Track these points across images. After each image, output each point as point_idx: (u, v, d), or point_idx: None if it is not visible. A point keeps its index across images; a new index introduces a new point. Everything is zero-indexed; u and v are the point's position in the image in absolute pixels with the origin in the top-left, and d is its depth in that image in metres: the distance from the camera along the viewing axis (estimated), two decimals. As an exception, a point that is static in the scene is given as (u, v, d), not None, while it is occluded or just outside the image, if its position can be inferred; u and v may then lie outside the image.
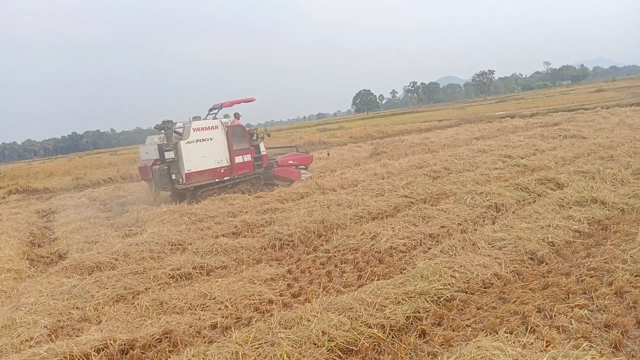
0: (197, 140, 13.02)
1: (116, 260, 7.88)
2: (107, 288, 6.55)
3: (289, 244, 8.05)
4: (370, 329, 4.37)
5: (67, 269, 7.65)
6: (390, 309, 4.68)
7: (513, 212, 8.09)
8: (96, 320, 5.70)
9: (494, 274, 5.46)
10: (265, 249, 7.97)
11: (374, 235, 7.51)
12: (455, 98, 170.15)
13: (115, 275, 6.96)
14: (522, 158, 13.55)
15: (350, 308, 4.73)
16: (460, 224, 7.85)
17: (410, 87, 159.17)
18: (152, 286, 6.57)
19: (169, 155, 12.67)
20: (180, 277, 6.91)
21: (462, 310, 4.79)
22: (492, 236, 6.67)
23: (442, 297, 4.96)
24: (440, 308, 4.80)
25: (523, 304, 4.64)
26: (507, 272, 5.52)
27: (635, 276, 4.93)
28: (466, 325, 4.42)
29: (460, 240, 6.67)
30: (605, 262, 5.37)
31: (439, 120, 42.19)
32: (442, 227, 7.76)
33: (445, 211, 8.52)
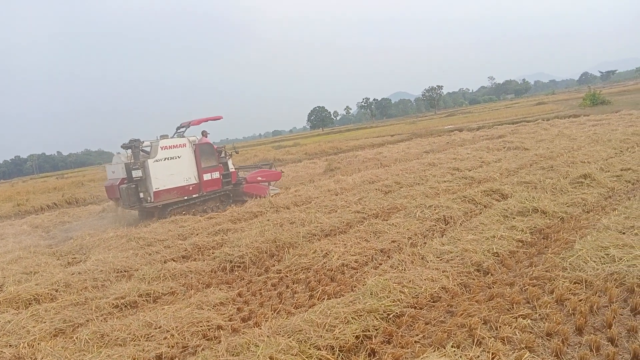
0: (165, 159, 13.12)
1: (56, 291, 7.45)
2: (44, 322, 6.15)
3: (239, 266, 7.88)
4: (319, 351, 4.30)
5: (1, 303, 7.13)
6: (339, 329, 4.63)
7: (460, 224, 8.28)
8: (31, 358, 5.32)
9: (442, 287, 5.54)
10: (215, 272, 7.77)
11: (326, 253, 7.47)
12: (407, 113, 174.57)
13: (54, 307, 6.57)
14: (470, 170, 13.97)
15: (299, 330, 4.65)
16: (410, 238, 7.94)
17: (363, 103, 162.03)
18: (93, 317, 6.23)
19: (137, 173, 12.67)
20: (125, 306, 6.60)
21: (411, 326, 4.80)
22: (441, 249, 6.78)
23: (391, 313, 4.97)
24: (389, 325, 4.79)
25: (470, 316, 4.70)
26: (454, 285, 5.61)
27: (574, 283, 5.12)
28: (415, 341, 4.43)
29: (409, 255, 6.74)
30: (546, 271, 5.55)
31: (391, 135, 43.06)
32: (393, 241, 7.83)
33: (396, 225, 8.62)
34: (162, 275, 7.58)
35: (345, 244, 7.86)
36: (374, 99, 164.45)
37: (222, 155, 14.77)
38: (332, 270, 6.87)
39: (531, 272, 5.63)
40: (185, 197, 13.65)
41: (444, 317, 4.90)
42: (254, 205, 12.92)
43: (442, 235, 7.78)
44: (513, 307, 4.83)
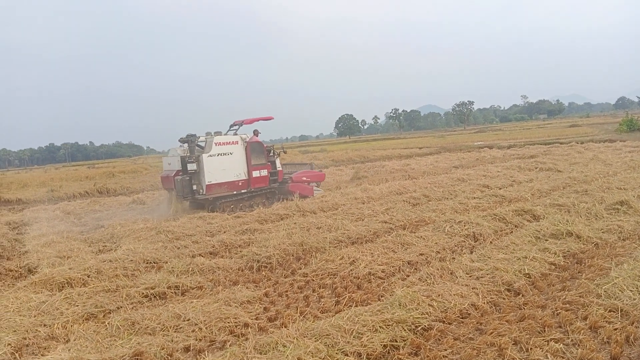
0: (219, 154, 13.81)
1: (88, 276, 7.67)
2: (77, 305, 6.35)
3: (266, 266, 7.96)
4: (346, 357, 4.32)
5: (37, 284, 7.39)
6: (367, 336, 4.64)
7: (491, 242, 8.18)
8: (64, 339, 5.50)
9: (472, 304, 5.48)
10: (242, 271, 7.86)
11: (353, 261, 7.49)
12: (435, 126, 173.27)
13: (87, 292, 6.76)
14: (500, 188, 13.78)
15: (327, 335, 4.68)
16: (438, 252, 7.89)
17: (392, 114, 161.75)
18: (124, 305, 6.39)
19: (192, 167, 13.35)
20: (154, 297, 6.75)
21: (439, 340, 4.77)
22: (470, 266, 6.71)
23: (419, 326, 4.95)
24: (417, 337, 4.77)
25: (500, 335, 4.65)
26: (484, 303, 5.55)
27: (609, 311, 5.00)
28: (443, 356, 4.40)
29: (438, 269, 6.69)
30: (580, 296, 5.44)
31: (419, 148, 42.79)
32: (421, 254, 7.79)
33: (424, 238, 8.58)
34: (190, 269, 7.71)
35: (372, 253, 7.86)
36: (403, 110, 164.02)
37: (271, 154, 15.28)
38: (358, 278, 6.88)
39: (564, 296, 5.53)
40: (234, 192, 14.27)
41: (473, 335, 4.85)
42: (281, 207, 13.02)
43: (472, 252, 7.70)
44: (544, 330, 4.74)
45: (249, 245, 9.26)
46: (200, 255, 8.84)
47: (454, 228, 8.99)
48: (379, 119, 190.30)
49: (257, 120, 15.72)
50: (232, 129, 15.39)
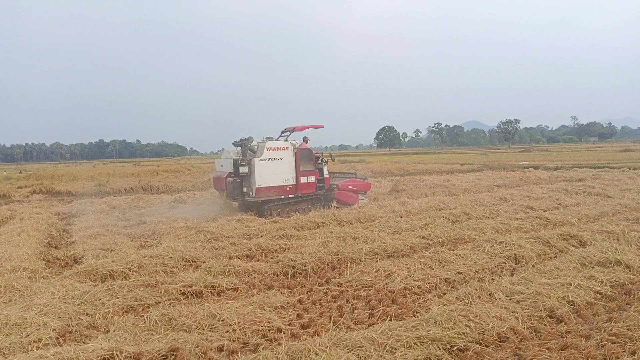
0: (269, 159, 14.17)
1: (129, 270, 7.93)
2: (118, 297, 6.56)
3: (301, 273, 7.99)
4: (379, 371, 4.27)
5: (81, 273, 7.71)
6: (401, 352, 4.57)
7: (533, 265, 7.91)
8: (104, 328, 5.70)
9: (510, 328, 5.31)
10: (277, 276, 7.92)
11: (389, 274, 7.41)
12: (478, 143, 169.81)
13: (128, 285, 6.98)
14: (545, 211, 13.33)
15: (360, 347, 4.64)
16: (477, 272, 7.70)
17: (434, 128, 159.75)
18: (162, 300, 6.56)
19: (243, 169, 13.82)
20: (191, 295, 6.89)
21: (475, 362, 4.64)
22: (510, 288, 6.50)
23: (455, 346, 4.83)
24: (452, 357, 4.67)
25: (539, 363, 4.48)
26: (524, 328, 5.36)
27: (659, 347, 4.74)
28: (478, 378, 4.28)
29: (476, 289, 6.53)
30: (628, 329, 5.17)
31: (461, 164, 42.01)
32: (459, 273, 7.62)
33: (462, 257, 8.39)
34: (227, 270, 7.82)
35: (408, 268, 7.76)
36: (446, 125, 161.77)
37: (319, 161, 15.57)
38: (393, 292, 6.80)
39: (610, 328, 5.27)
40: (282, 196, 14.59)
41: (511, 360, 4.70)
42: (318, 215, 13.06)
43: (512, 274, 7.48)
44: (588, 362, 4.54)
45: (284, 250, 9.33)
46: (237, 257, 8.97)
47: (494, 248, 8.76)
48: (420, 132, 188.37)
49: (308, 127, 16.03)
50: (283, 135, 15.74)
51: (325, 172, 15.68)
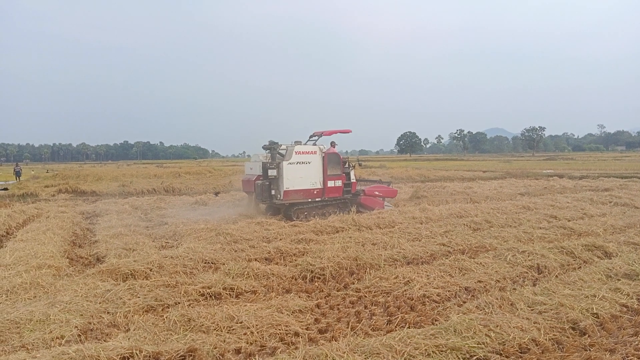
0: (298, 162, 14.41)
1: (150, 270, 8.04)
2: (138, 297, 6.65)
3: (320, 278, 7.97)
4: (396, 379, 4.22)
5: (104, 272, 7.85)
6: (419, 360, 4.52)
7: (556, 276, 7.74)
8: (124, 327, 5.78)
9: (532, 339, 5.19)
10: (295, 279, 7.93)
11: (408, 281, 7.34)
12: (501, 150, 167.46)
13: (148, 285, 7.07)
14: (569, 220, 13.04)
15: (377, 353, 4.61)
16: (498, 281, 7.57)
17: (456, 135, 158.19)
18: (182, 301, 6.63)
19: (272, 172, 14.19)
20: (210, 296, 6.94)
21: (494, 373, 4.56)
22: (532, 299, 6.37)
23: (474, 356, 4.75)
24: (472, 367, 4.59)
25: (561, 376, 4.37)
26: (546, 339, 5.24)
27: (688, 364, 4.58)
28: (498, 389, 4.20)
29: (497, 298, 6.42)
30: (655, 344, 5.01)
31: (483, 171, 41.47)
32: (480, 281, 7.50)
33: (483, 265, 8.27)
34: (246, 273, 7.86)
35: (428, 275, 7.67)
36: (469, 132, 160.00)
37: (347, 165, 15.79)
38: (412, 299, 6.73)
39: (637, 342, 5.12)
40: (309, 200, 14.79)
41: (532, 371, 4.59)
42: (337, 220, 13.03)
43: (534, 284, 7.32)
44: (612, 377, 4.42)
45: (303, 254, 9.33)
46: (256, 260, 9.01)
47: (516, 257, 8.61)
48: (442, 138, 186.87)
49: (336, 132, 16.12)
50: (311, 139, 15.97)
51: (352, 176, 15.85)
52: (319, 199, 15.00)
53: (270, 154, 14.67)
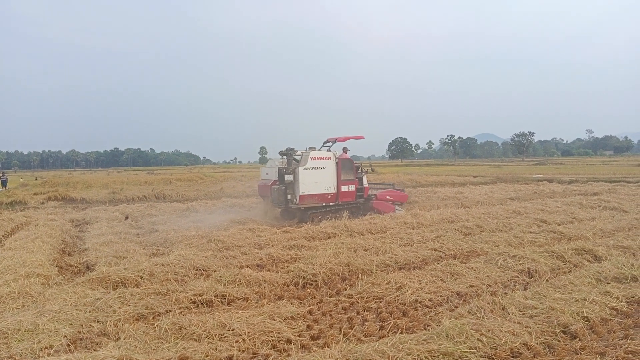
0: (313, 168, 14.86)
1: (141, 278, 7.97)
2: (129, 305, 6.59)
3: (312, 284, 7.95)
4: (389, 385, 4.21)
5: (93, 281, 7.77)
6: (411, 365, 4.51)
7: (547, 280, 7.79)
8: (115, 336, 5.72)
9: (524, 344, 5.21)
10: (288, 286, 7.90)
11: (400, 286, 7.34)
12: (492, 155, 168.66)
13: (139, 293, 7.01)
14: (559, 225, 13.16)
15: (370, 359, 4.59)
16: (490, 286, 7.60)
17: (447, 140, 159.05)
18: (173, 309, 6.57)
19: (288, 177, 14.52)
20: (202, 304, 6.90)
21: (487, 377, 4.57)
22: (524, 303, 6.41)
23: (466, 360, 4.76)
24: (464, 372, 4.59)
25: (553, 379, 4.39)
26: (537, 343, 5.26)
27: (678, 366, 4.62)
28: (490, 394, 4.21)
29: (489, 303, 6.44)
30: (644, 347, 5.06)
31: (473, 176, 41.72)
32: (471, 286, 7.53)
33: (475, 270, 8.30)
34: (237, 280, 7.82)
35: (420, 280, 7.67)
36: (459, 137, 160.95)
37: (359, 171, 16.30)
38: (404, 304, 6.74)
39: (626, 345, 5.16)
40: (324, 204, 15.25)
41: (524, 376, 4.61)
42: (329, 226, 13.02)
43: (525, 289, 7.36)
44: (603, 380, 4.44)
45: (295, 261, 9.30)
46: (247, 266, 8.97)
47: (507, 262, 8.65)
48: (433, 144, 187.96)
49: (349, 138, 16.61)
50: (325, 145, 16.41)
51: (365, 181, 16.37)
52: (333, 203, 15.45)
53: (286, 160, 15.02)
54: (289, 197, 14.56)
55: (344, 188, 15.58)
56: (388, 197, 17.14)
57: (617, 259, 8.70)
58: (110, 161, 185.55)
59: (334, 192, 15.36)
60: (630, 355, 4.95)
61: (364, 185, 16.34)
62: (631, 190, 23.56)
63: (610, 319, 6.11)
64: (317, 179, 14.88)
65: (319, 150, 15.78)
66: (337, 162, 15.41)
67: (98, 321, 6.10)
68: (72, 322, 5.95)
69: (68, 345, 5.38)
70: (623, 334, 5.60)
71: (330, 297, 7.29)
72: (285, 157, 15.16)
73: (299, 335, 5.73)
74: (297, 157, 15.14)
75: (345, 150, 16.38)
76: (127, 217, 16.80)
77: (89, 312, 6.35)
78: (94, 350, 5.20)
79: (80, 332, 5.75)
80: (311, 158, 14.80)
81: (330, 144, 16.40)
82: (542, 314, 6.03)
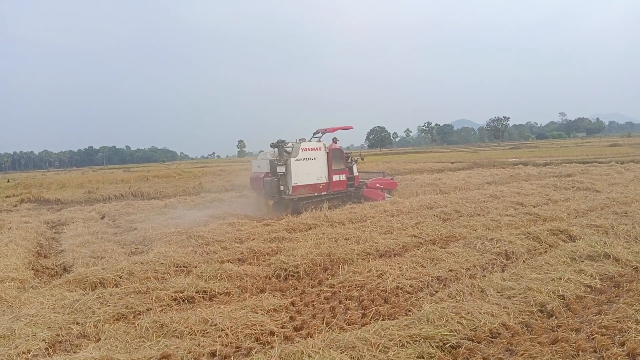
0: (304, 159, 15.11)
1: (120, 277, 7.87)
2: (108, 305, 6.50)
3: (294, 275, 7.96)
4: (372, 371, 4.26)
5: (71, 282, 7.63)
6: (394, 351, 4.58)
7: (523, 261, 7.96)
8: (95, 337, 5.63)
9: (502, 324, 5.33)
10: (269, 279, 7.89)
11: (381, 274, 7.41)
12: (468, 141, 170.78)
13: (118, 292, 6.92)
14: (535, 207, 13.43)
15: (353, 347, 4.64)
16: (469, 269, 7.73)
17: (424, 127, 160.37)
18: (154, 307, 6.51)
19: (281, 169, 14.76)
20: (183, 300, 6.85)
21: (467, 359, 4.66)
22: (502, 284, 6.54)
23: (447, 343, 4.84)
24: (445, 355, 4.68)
25: (531, 357, 4.51)
26: (515, 323, 5.39)
27: (649, 338, 4.78)
28: (471, 375, 4.29)
29: (468, 286, 6.55)
30: (617, 321, 5.22)
31: (451, 162, 42.20)
32: (451, 270, 7.65)
33: (454, 254, 8.43)
34: (218, 275, 7.78)
35: (400, 267, 7.76)
36: (436, 124, 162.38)
37: (349, 160, 16.65)
38: (386, 291, 6.81)
39: (600, 320, 5.32)
40: (316, 194, 15.54)
41: (503, 355, 4.72)
42: (309, 217, 13.03)
43: (503, 270, 7.51)
44: (578, 354, 4.58)
45: (277, 253, 9.29)
46: (228, 261, 8.92)
47: (485, 245, 8.81)
48: (411, 131, 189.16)
49: (338, 129, 17.13)
50: (315, 136, 16.71)
51: (355, 170, 16.75)
52: (325, 193, 15.78)
53: (278, 152, 15.22)
54: (281, 188, 14.80)
55: (335, 177, 15.91)
56: (378, 185, 17.52)
57: (590, 237, 8.93)
58: (84, 160, 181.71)
59: (325, 181, 15.71)
60: (603, 329, 5.11)
61: (355, 174, 16.72)
62: (603, 171, 24.15)
63: (585, 296, 6.28)
64: (308, 170, 15.15)
65: (309, 141, 16.02)
66: (327, 153, 15.73)
67: (77, 323, 6.00)
68: (50, 325, 5.83)
69: (47, 349, 5.28)
70: (597, 310, 5.77)
71: (312, 287, 7.32)
72: (276, 149, 15.37)
73: (282, 327, 5.75)
74: (288, 149, 15.30)
75: (335, 140, 16.66)
76: (103, 217, 16.52)
77: (68, 314, 6.24)
78: (74, 352, 5.12)
79: (59, 335, 5.65)
80: (302, 149, 15.03)
81: (320, 134, 16.67)
82: (520, 294, 6.17)
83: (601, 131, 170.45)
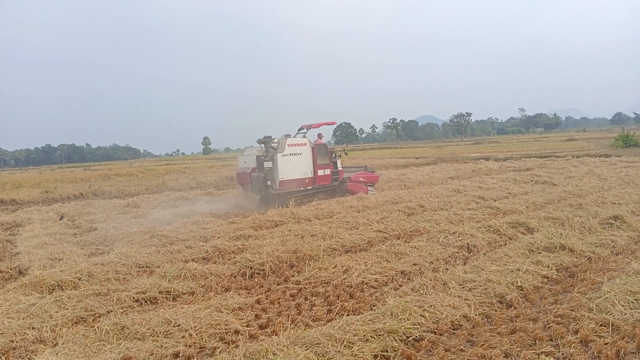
0: (290, 154, 15.54)
1: (79, 279, 7.60)
2: (67, 308, 6.28)
3: (259, 273, 7.92)
4: (336, 366, 4.29)
5: (27, 286, 7.32)
6: (358, 346, 4.61)
7: (484, 254, 8.17)
8: (52, 342, 5.43)
9: (463, 316, 5.46)
10: (235, 277, 7.81)
11: (346, 269, 7.46)
12: (433, 137, 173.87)
13: (77, 295, 6.70)
14: (495, 200, 13.81)
15: (317, 343, 4.65)
16: (432, 263, 7.88)
17: (390, 124, 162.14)
18: (114, 309, 6.33)
19: (268, 164, 15.09)
20: (145, 301, 6.69)
21: (430, 351, 4.75)
22: (463, 277, 6.70)
23: (410, 336, 4.93)
24: (408, 348, 4.75)
25: (490, 347, 4.63)
26: (476, 315, 5.53)
27: (601, 326, 5.00)
28: (433, 367, 4.38)
29: (431, 279, 6.68)
30: (571, 310, 5.43)
31: (416, 158, 42.89)
32: (414, 264, 7.77)
33: (418, 249, 8.56)
34: (182, 274, 7.64)
35: (365, 262, 7.83)
36: (401, 120, 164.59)
37: (333, 155, 17.16)
38: (351, 286, 6.86)
39: (556, 310, 5.52)
40: (302, 188, 16.02)
41: (464, 346, 4.83)
42: (276, 214, 12.97)
43: (465, 263, 7.70)
44: (535, 343, 4.73)
45: (242, 251, 9.21)
46: (193, 260, 8.78)
47: (448, 239, 8.99)
48: (376, 128, 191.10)
49: (322, 124, 17.58)
50: (300, 132, 17.14)
51: (339, 165, 17.28)
52: (311, 187, 16.27)
53: (264, 148, 15.54)
54: (268, 183, 15.14)
55: (320, 172, 16.38)
56: (361, 179, 17.87)
57: (547, 229, 9.24)
58: (42, 159, 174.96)
59: (311, 176, 16.18)
60: (559, 318, 5.30)
61: (339, 169, 17.17)
62: (560, 165, 25.09)
63: (542, 287, 6.51)
64: (294, 165, 15.57)
65: (295, 137, 16.40)
66: (312, 148, 16.18)
67: (33, 328, 5.77)
68: (3, 331, 5.59)
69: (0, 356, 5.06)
70: (553, 300, 5.98)
71: (278, 285, 7.29)
72: (263, 145, 15.72)
73: (247, 326, 5.71)
74: (275, 145, 15.59)
75: (319, 136, 17.14)
76: (62, 217, 15.96)
77: (23, 319, 5.99)
78: (29, 359, 4.94)
79: (13, 341, 5.41)
80: (288, 145, 15.42)
81: (305, 130, 17.04)
82: (480, 286, 6.33)
83: (558, 126, 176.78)
